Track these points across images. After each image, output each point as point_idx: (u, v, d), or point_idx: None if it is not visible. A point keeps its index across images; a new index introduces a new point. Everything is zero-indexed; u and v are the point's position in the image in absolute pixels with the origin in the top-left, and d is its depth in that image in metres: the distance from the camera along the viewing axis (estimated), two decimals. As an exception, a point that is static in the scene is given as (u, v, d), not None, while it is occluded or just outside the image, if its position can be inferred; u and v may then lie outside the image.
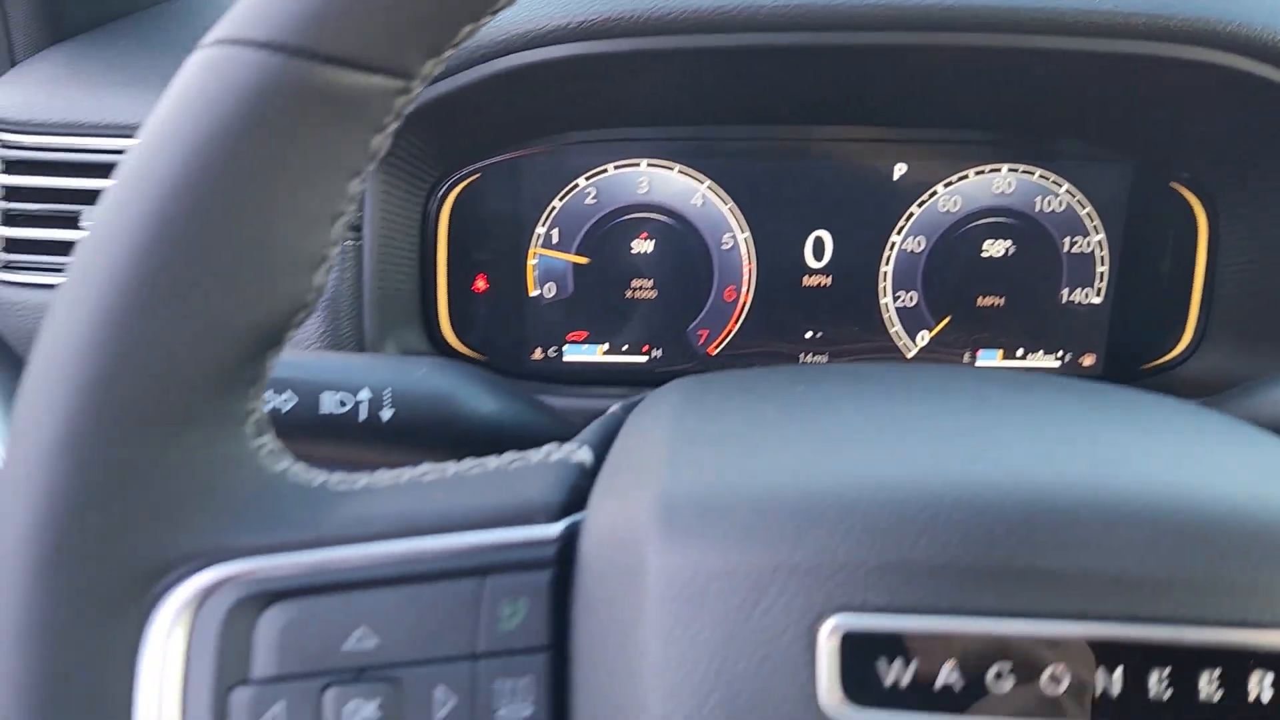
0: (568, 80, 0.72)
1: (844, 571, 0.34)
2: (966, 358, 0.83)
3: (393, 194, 0.77)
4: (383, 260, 0.76)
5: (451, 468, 0.40)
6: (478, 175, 0.80)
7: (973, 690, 0.33)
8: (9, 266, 0.79)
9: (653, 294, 0.83)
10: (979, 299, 0.82)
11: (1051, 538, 0.34)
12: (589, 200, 0.81)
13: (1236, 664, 0.34)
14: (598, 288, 0.83)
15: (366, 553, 0.37)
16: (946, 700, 0.33)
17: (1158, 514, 0.35)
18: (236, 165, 0.33)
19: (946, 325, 0.83)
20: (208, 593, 0.36)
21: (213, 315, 0.34)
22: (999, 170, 0.80)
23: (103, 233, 0.34)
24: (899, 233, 0.81)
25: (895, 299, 0.83)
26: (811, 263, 0.82)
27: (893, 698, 0.33)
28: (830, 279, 0.82)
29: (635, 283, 0.83)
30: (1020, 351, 0.83)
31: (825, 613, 0.34)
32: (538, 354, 0.84)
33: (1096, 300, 0.83)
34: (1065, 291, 0.82)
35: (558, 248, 0.82)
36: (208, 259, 0.34)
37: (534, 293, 0.83)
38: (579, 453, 0.41)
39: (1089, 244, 0.81)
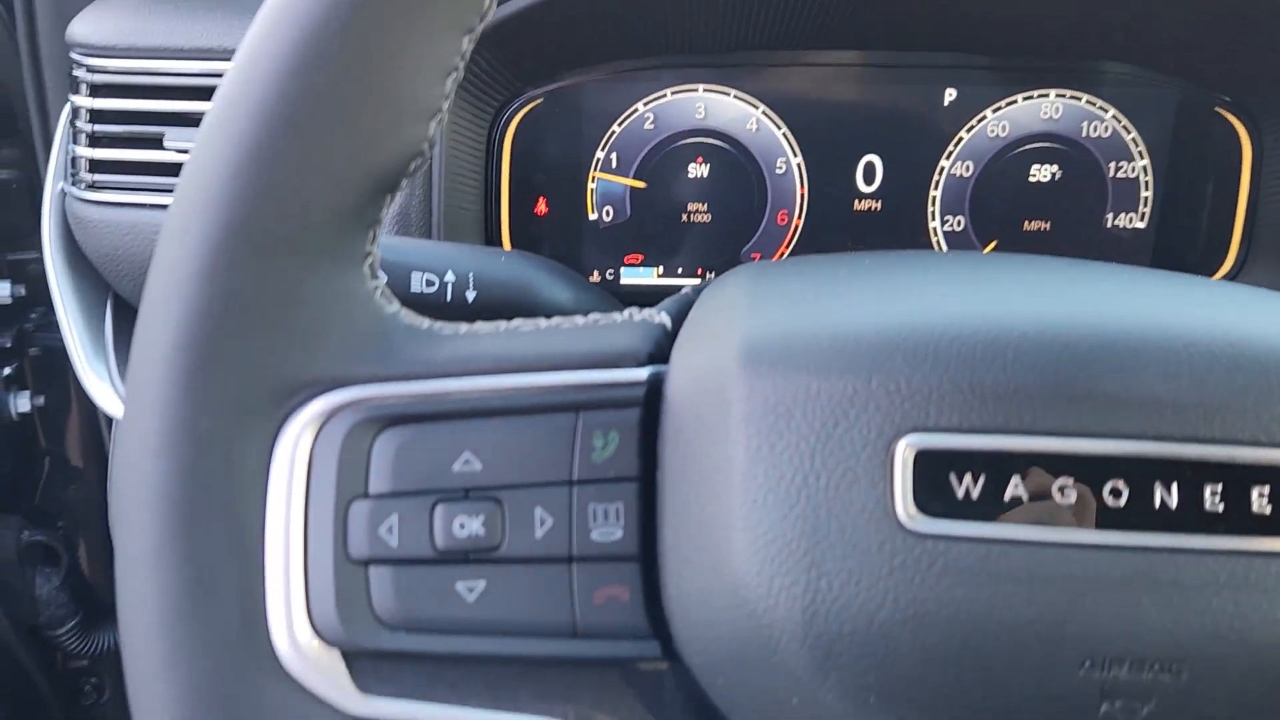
0: (628, 6, 0.75)
1: (919, 394, 0.37)
2: (1012, 282, 0.86)
3: (460, 117, 0.80)
4: (450, 181, 0.79)
5: (544, 322, 0.43)
6: (541, 100, 0.83)
7: (1037, 502, 0.36)
8: (94, 186, 0.82)
9: (707, 218, 0.86)
10: (1025, 223, 0.85)
11: (1112, 364, 0.37)
12: (647, 125, 0.84)
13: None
14: (654, 212, 0.86)
15: (472, 385, 0.40)
16: (1013, 511, 0.36)
17: (1212, 345, 0.38)
18: (364, 17, 0.36)
19: (993, 249, 0.85)
20: (330, 415, 0.39)
21: (340, 157, 0.37)
22: (1046, 96, 0.82)
23: (241, 79, 0.37)
24: (948, 158, 0.84)
25: (944, 223, 0.85)
26: (862, 187, 0.85)
27: (963, 509, 0.36)
28: (880, 203, 0.85)
29: (691, 207, 0.85)
30: (1065, 276, 0.85)
31: (901, 432, 0.37)
32: (595, 276, 0.87)
33: (1141, 225, 0.85)
34: (1110, 216, 0.85)
35: (616, 172, 0.85)
36: (337, 104, 0.37)
37: (592, 216, 0.86)
38: (659, 316, 0.44)
39: (1134, 169, 0.84)
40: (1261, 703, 0.36)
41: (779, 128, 0.84)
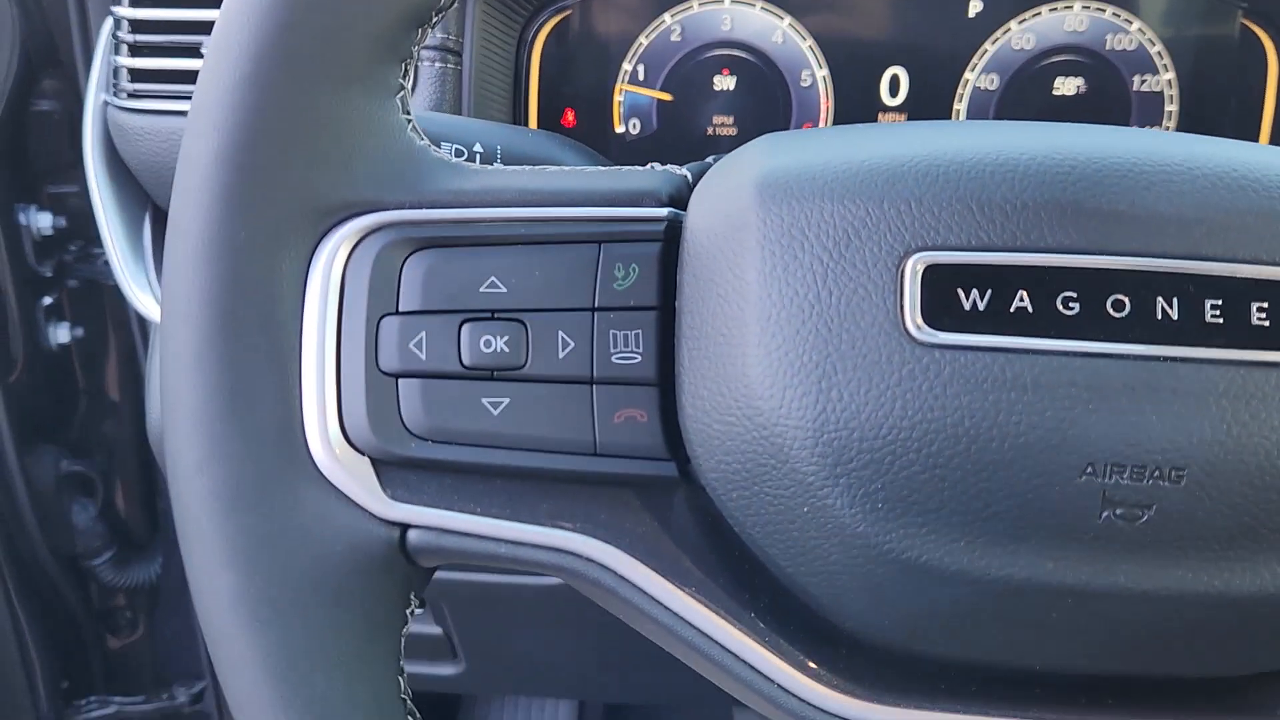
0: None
1: (928, 214, 0.38)
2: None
3: (489, 29, 0.81)
4: (480, 88, 0.81)
5: (572, 168, 0.45)
6: (569, 11, 0.85)
7: (1041, 315, 0.37)
8: (135, 95, 0.84)
9: (733, 130, 0.87)
10: (1049, 137, 0.85)
11: (1117, 183, 0.38)
12: (674, 37, 0.85)
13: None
14: (681, 124, 0.87)
15: (499, 215, 0.42)
16: (1017, 323, 0.37)
17: (1216, 169, 0.39)
18: None
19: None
20: (363, 235, 0.41)
21: None
22: (1071, 8, 0.83)
23: None
24: (973, 70, 0.84)
25: (967, 137, 0.86)
26: (887, 100, 0.86)
27: (969, 321, 0.38)
28: (906, 116, 0.86)
29: (717, 119, 0.87)
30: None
31: (911, 249, 0.38)
32: (622, 189, 0.88)
33: (1165, 139, 0.85)
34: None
35: (643, 84, 0.86)
36: None
37: (619, 129, 0.87)
38: (682, 170, 0.45)
39: (1159, 82, 0.84)
40: (1260, 509, 0.37)
41: (805, 39, 0.85)
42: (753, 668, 0.41)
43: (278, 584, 0.39)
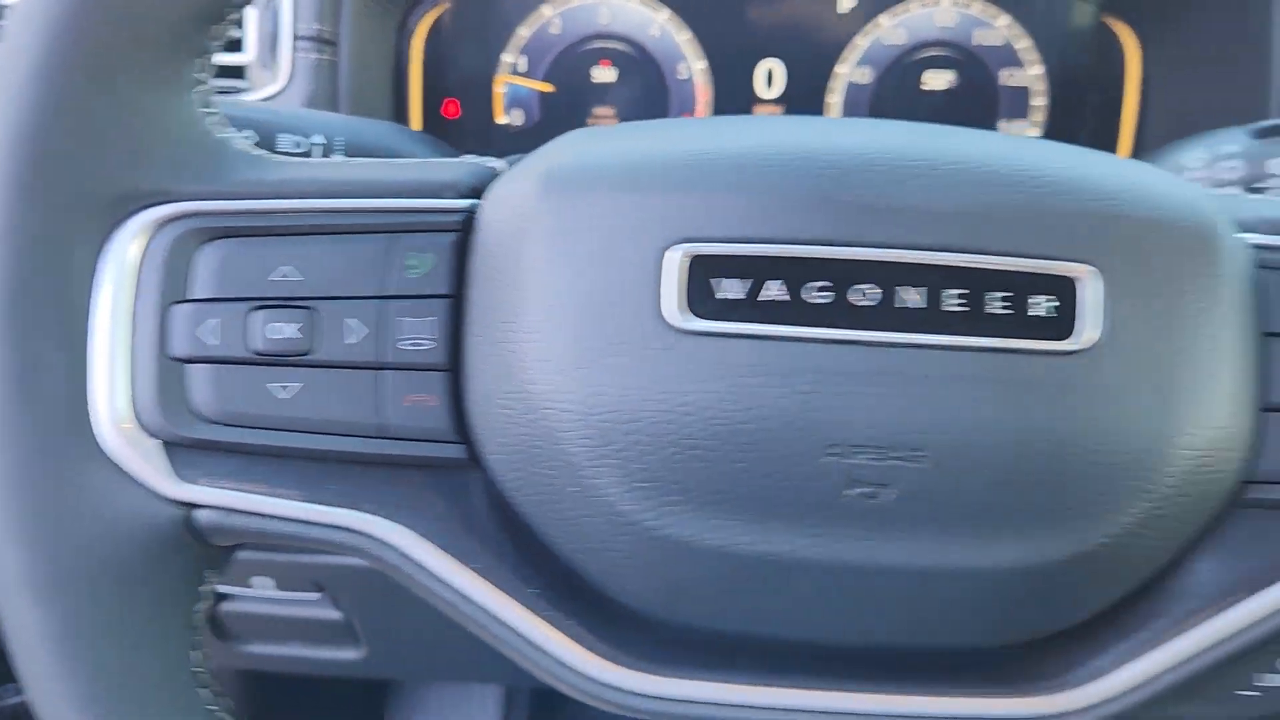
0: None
1: (689, 207, 0.40)
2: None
3: (368, 15, 0.82)
4: (358, 79, 0.82)
5: (378, 160, 0.46)
6: (449, 2, 0.86)
7: (793, 304, 0.39)
8: None
9: (614, 122, 0.88)
10: (921, 130, 0.87)
11: (867, 178, 0.40)
12: (553, 29, 0.87)
13: (1021, 285, 0.39)
14: (562, 115, 0.88)
15: (295, 205, 0.43)
16: (770, 312, 0.39)
17: (960, 163, 0.41)
18: None
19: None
20: (158, 226, 0.42)
21: None
22: (939, 3, 0.85)
23: None
24: (844, 63, 0.86)
25: (842, 129, 0.88)
26: (763, 93, 0.87)
27: (725, 310, 0.39)
28: (782, 109, 0.88)
29: (598, 110, 0.88)
30: (960, 182, 0.88)
31: (671, 240, 0.40)
32: (506, 179, 0.90)
33: (1034, 133, 0.87)
34: (1003, 124, 0.87)
35: (525, 76, 0.88)
36: None
37: (502, 120, 0.89)
38: (495, 161, 0.47)
39: (1025, 77, 0.86)
40: (997, 489, 0.39)
41: (681, 32, 0.86)
42: (533, 643, 0.43)
43: (65, 560, 0.41)
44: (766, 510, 0.39)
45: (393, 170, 0.45)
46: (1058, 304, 0.39)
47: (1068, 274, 0.39)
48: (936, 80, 0.86)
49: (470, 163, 0.46)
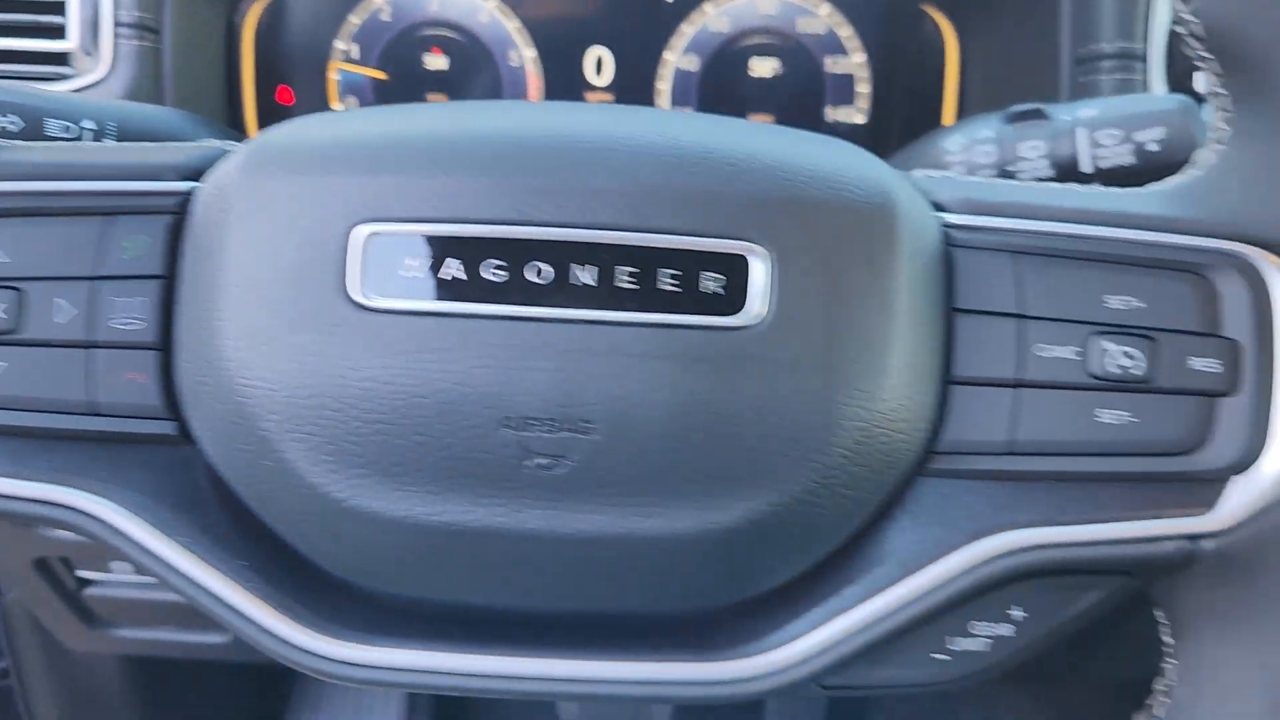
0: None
1: (375, 188, 0.41)
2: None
3: (196, 4, 0.82)
4: (185, 66, 0.82)
5: (100, 144, 0.47)
6: (278, -10, 0.86)
7: (471, 282, 0.40)
8: None
9: (448, 109, 0.89)
10: (750, 117, 0.89)
11: (546, 160, 0.41)
12: (384, 16, 0.87)
13: (692, 263, 0.41)
14: (396, 102, 0.89)
15: (6, 188, 0.44)
16: (449, 290, 0.40)
17: (639, 145, 0.42)
18: None
19: (721, 142, 0.89)
20: None
21: None
22: (762, -9, 0.86)
23: None
24: (672, 51, 0.88)
25: (672, 116, 0.89)
26: (593, 79, 0.89)
27: (406, 288, 0.41)
28: (613, 97, 0.89)
29: (431, 97, 0.89)
30: (790, 168, 0.90)
31: (356, 221, 0.41)
32: (344, 166, 0.90)
33: (860, 119, 0.89)
34: (829, 110, 0.89)
35: (358, 63, 0.88)
36: None
37: (336, 107, 0.89)
38: (232, 144, 0.48)
39: (849, 65, 0.88)
40: (665, 459, 0.40)
41: (510, 20, 0.87)
42: (241, 614, 0.44)
43: None
44: (449, 481, 0.41)
45: (113, 154, 0.45)
46: (725, 281, 0.41)
47: (737, 252, 0.41)
48: (763, 67, 0.88)
49: (203, 145, 0.47)
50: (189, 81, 0.83)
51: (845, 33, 0.87)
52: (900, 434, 0.42)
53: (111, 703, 1.17)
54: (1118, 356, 0.42)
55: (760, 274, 0.41)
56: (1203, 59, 0.43)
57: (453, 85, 0.89)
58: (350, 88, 0.89)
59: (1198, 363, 0.42)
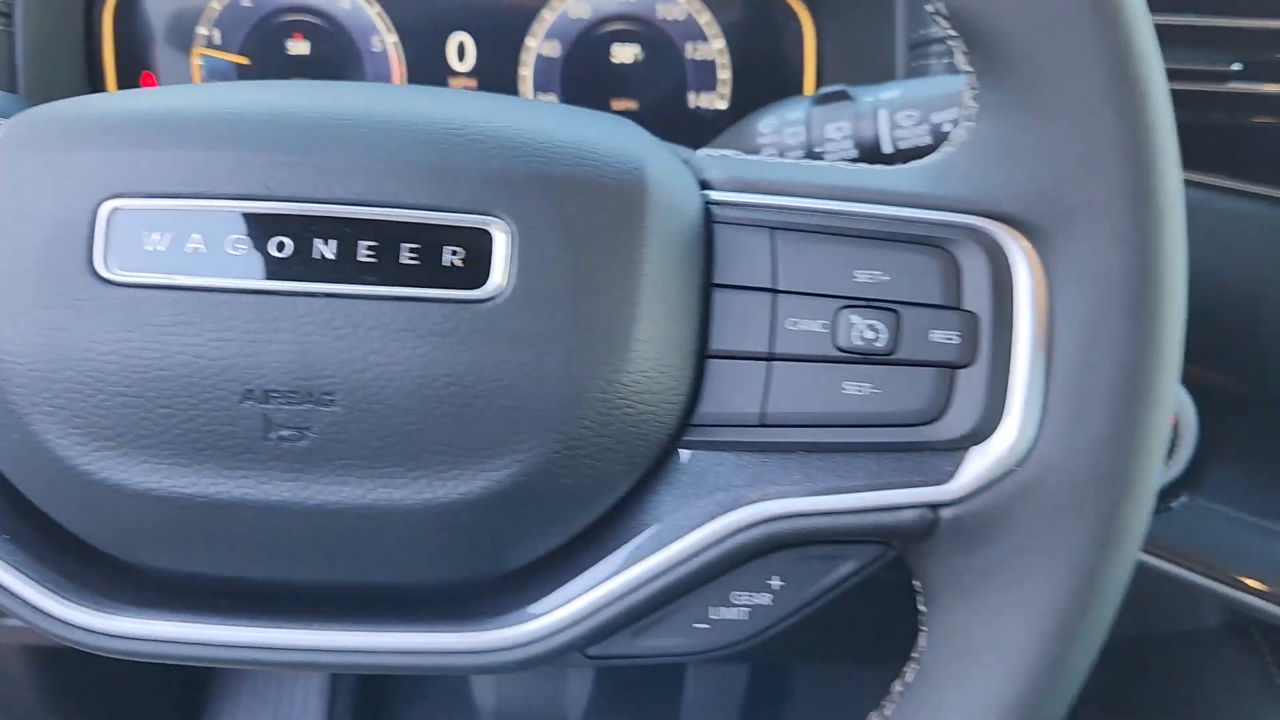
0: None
1: (119, 163, 0.41)
2: (607, 159, 0.91)
3: (51, -11, 0.82)
4: (41, 52, 0.82)
5: None
6: (136, -25, 0.86)
7: (214, 256, 0.41)
8: None
9: (312, 94, 0.89)
10: (613, 103, 0.90)
11: (285, 135, 0.42)
12: (245, 1, 0.87)
13: (433, 237, 0.41)
14: (260, 87, 0.89)
15: None
16: (192, 264, 0.41)
17: (380, 120, 0.43)
18: None
19: (586, 127, 0.90)
20: None
21: None
22: (621, -23, 0.87)
23: None
24: (534, 36, 0.88)
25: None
26: (456, 65, 0.89)
27: (150, 262, 0.41)
28: (476, 83, 0.89)
29: (296, 83, 0.89)
30: (655, 153, 0.91)
31: (102, 196, 0.41)
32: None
33: (722, 105, 0.90)
34: (692, 96, 0.90)
35: (221, 48, 0.88)
36: None
37: (202, 92, 0.89)
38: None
39: (710, 51, 0.89)
40: (405, 429, 0.41)
41: (372, 5, 0.87)
42: (6, 590, 0.44)
43: None
44: (195, 454, 0.41)
45: None
46: (466, 255, 0.41)
47: (478, 226, 0.41)
48: (624, 54, 0.89)
49: None
50: (46, 68, 0.83)
51: (705, 19, 0.88)
52: (651, 406, 0.43)
53: (23, 698, 1.17)
54: (862, 330, 0.44)
55: (502, 248, 0.41)
56: (949, 36, 0.44)
57: (316, 71, 0.89)
58: (215, 74, 0.89)
59: (938, 335, 0.43)
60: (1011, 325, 0.43)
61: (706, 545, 0.44)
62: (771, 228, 0.45)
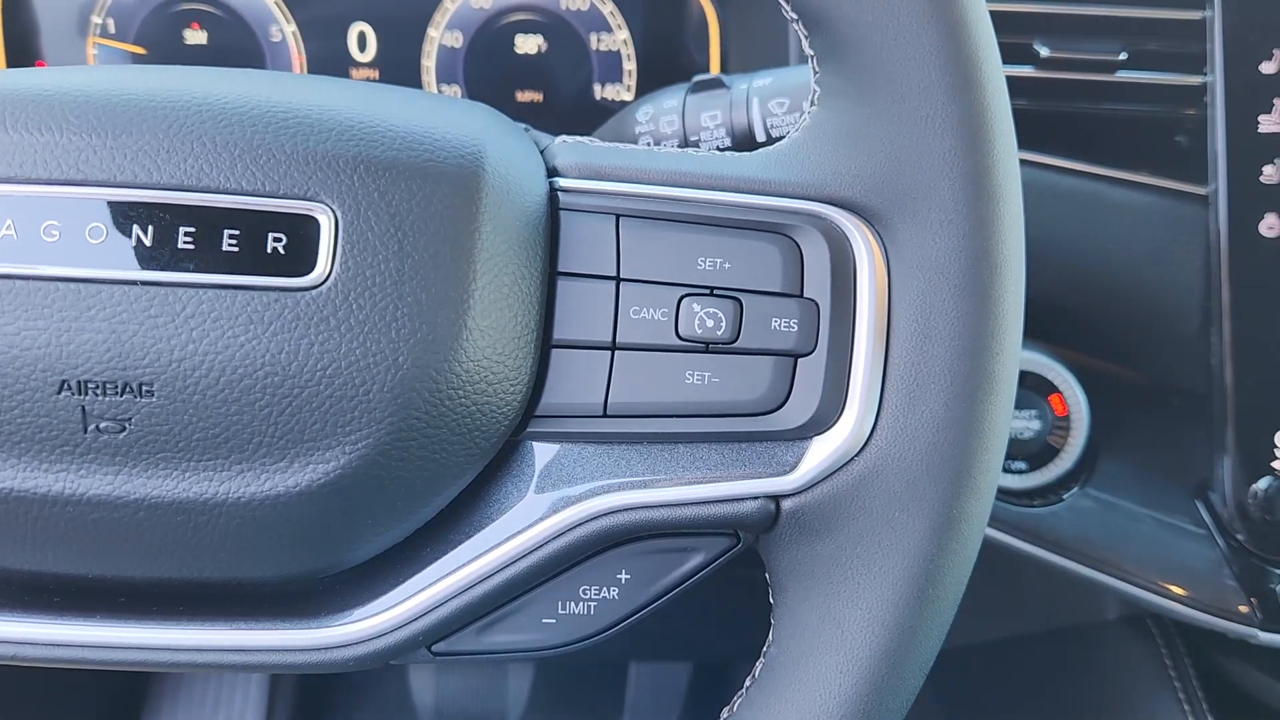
0: None
1: None
2: (513, 151, 0.90)
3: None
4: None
5: None
6: (25, -38, 0.84)
7: (25, 242, 0.40)
8: None
9: (211, 85, 0.88)
10: (518, 94, 0.89)
11: (95, 117, 0.40)
12: (138, -10, 0.86)
13: (257, 223, 0.40)
14: (157, 78, 0.87)
15: None
16: (4, 249, 0.40)
17: (197, 103, 0.41)
18: None
19: (492, 119, 0.89)
20: None
21: None
22: (523, -33, 0.86)
23: None
24: (435, 27, 0.87)
25: (440, 92, 0.89)
26: (357, 56, 0.88)
27: None
28: (378, 72, 0.88)
29: (194, 74, 0.87)
30: (562, 145, 0.90)
31: None
32: (108, 143, 0.89)
33: (628, 96, 0.89)
34: (598, 87, 0.89)
35: (115, 38, 0.87)
36: None
37: (97, 82, 0.87)
38: None
39: (615, 41, 0.88)
40: (226, 420, 0.40)
41: (270, -5, 0.86)
42: None
43: None
44: (13, 447, 0.40)
45: None
46: (290, 242, 0.40)
47: (303, 212, 0.40)
48: (528, 44, 0.88)
49: None
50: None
51: (608, 9, 0.87)
52: (491, 397, 0.42)
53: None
54: (703, 318, 0.43)
55: (327, 235, 0.40)
56: (791, 19, 0.44)
57: (214, 61, 0.87)
58: (109, 63, 0.87)
59: (778, 323, 0.43)
60: (851, 313, 0.42)
61: (550, 538, 0.44)
62: (617, 215, 0.44)
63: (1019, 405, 0.70)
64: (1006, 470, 0.70)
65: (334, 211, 0.40)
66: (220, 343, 0.40)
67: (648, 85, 0.89)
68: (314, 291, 0.40)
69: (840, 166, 0.43)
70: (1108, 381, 0.71)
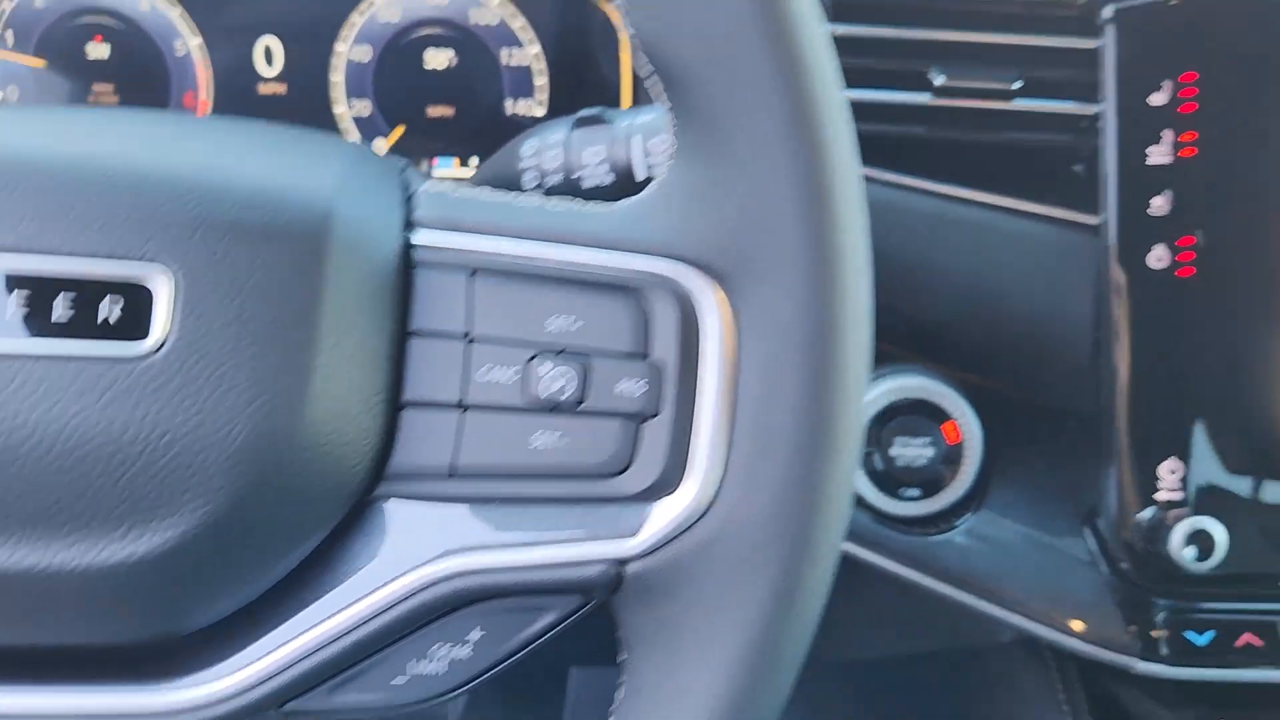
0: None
1: None
2: (424, 166, 0.89)
3: None
4: None
5: None
6: (-81, -26, 0.83)
7: None
8: None
9: (115, 99, 0.86)
10: (429, 109, 0.88)
11: None
12: (37, 2, 0.84)
13: (86, 289, 0.40)
14: (60, 92, 0.86)
15: None
16: None
17: (28, 158, 0.41)
18: None
19: (402, 135, 0.88)
20: None
21: None
22: (431, -19, 0.85)
23: None
24: (344, 41, 0.86)
25: (350, 107, 0.88)
26: (264, 70, 0.87)
27: None
28: (285, 87, 0.87)
29: (97, 87, 0.86)
30: (474, 160, 0.89)
31: None
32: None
33: (540, 112, 0.89)
34: (510, 102, 0.88)
35: (15, 50, 0.85)
36: None
37: (-3, 96, 0.86)
38: None
39: (526, 57, 0.87)
40: (63, 493, 0.39)
41: (174, 7, 0.85)
42: None
43: None
44: None
45: None
46: (124, 306, 0.40)
47: (140, 278, 0.40)
48: (438, 59, 0.87)
49: None
50: None
51: (519, 24, 0.86)
52: (337, 459, 0.42)
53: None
54: (552, 379, 0.43)
55: (165, 300, 0.40)
56: (648, 73, 0.43)
57: (117, 74, 0.86)
58: (11, 77, 0.86)
59: (625, 385, 0.43)
60: (696, 376, 0.42)
61: (400, 599, 0.43)
62: (471, 270, 0.44)
63: (913, 433, 0.70)
64: (899, 498, 0.70)
65: (173, 275, 0.40)
66: (51, 413, 0.39)
67: (560, 100, 0.88)
68: (149, 360, 0.40)
69: (691, 226, 0.43)
70: (1002, 407, 0.72)
